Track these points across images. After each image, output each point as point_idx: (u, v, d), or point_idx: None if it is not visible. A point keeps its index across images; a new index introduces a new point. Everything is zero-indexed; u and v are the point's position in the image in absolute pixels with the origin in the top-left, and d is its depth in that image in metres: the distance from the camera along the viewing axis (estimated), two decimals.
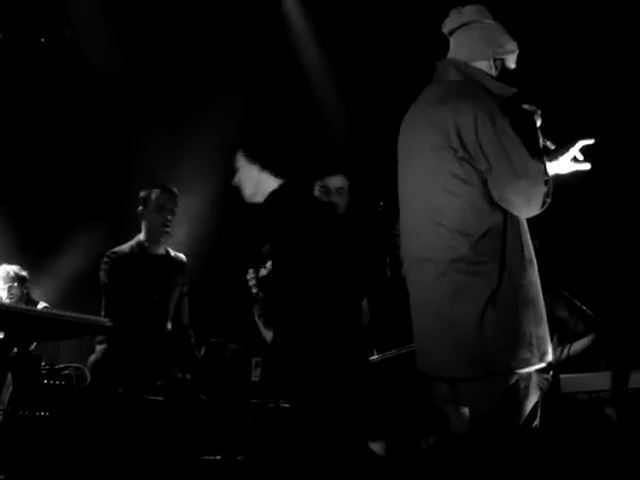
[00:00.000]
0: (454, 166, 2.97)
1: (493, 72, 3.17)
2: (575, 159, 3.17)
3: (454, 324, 2.92)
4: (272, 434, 4.51)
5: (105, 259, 5.04)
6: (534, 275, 3.01)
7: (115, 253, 5.07)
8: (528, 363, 2.91)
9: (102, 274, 5.02)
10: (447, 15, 3.29)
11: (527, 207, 2.97)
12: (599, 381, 4.99)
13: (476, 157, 2.95)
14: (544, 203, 2.97)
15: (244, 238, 7.01)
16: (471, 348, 2.89)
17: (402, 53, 6.89)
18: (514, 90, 3.10)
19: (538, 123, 3.12)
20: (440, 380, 3.03)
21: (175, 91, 7.15)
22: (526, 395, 2.94)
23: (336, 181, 4.23)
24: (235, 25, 7.22)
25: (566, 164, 3.18)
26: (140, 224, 5.19)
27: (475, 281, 2.91)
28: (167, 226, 5.13)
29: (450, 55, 3.24)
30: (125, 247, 5.13)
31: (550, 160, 3.12)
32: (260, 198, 3.61)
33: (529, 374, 2.95)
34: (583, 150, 3.18)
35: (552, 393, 4.92)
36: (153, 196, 5.13)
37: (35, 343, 4.88)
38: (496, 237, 2.95)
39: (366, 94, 7.15)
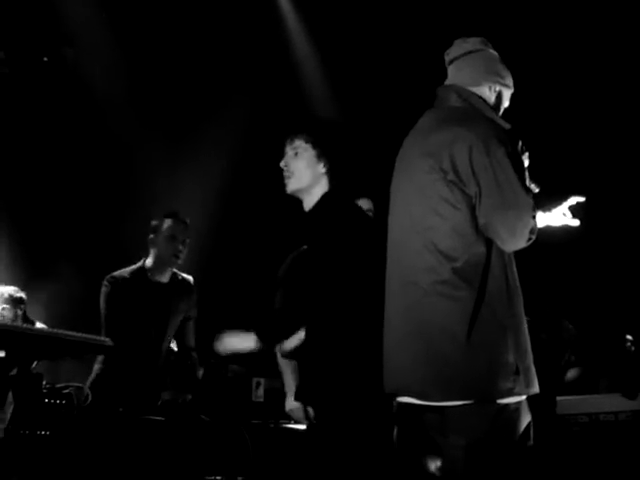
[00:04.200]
0: (444, 189, 2.97)
1: (492, 99, 3.20)
2: (565, 215, 3.22)
3: (433, 348, 2.90)
4: (273, 454, 4.51)
5: (105, 282, 5.01)
6: (518, 308, 2.98)
7: (114, 278, 5.02)
8: (511, 393, 2.88)
9: (101, 298, 5.00)
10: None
11: (511, 239, 2.95)
12: (599, 403, 5.02)
13: (467, 182, 2.95)
14: (529, 239, 2.96)
15: (244, 258, 7.06)
16: (451, 374, 2.87)
17: (405, 70, 6.95)
18: (510, 126, 3.12)
19: (526, 164, 3.13)
20: (424, 407, 2.99)
21: (176, 111, 7.17)
22: (518, 417, 2.92)
23: (364, 204, 4.34)
24: (236, 45, 7.26)
25: (557, 217, 3.22)
26: (149, 251, 5.14)
27: (453, 306, 2.90)
28: (178, 257, 5.09)
29: (450, 81, 3.26)
30: (125, 272, 5.08)
31: (543, 211, 3.15)
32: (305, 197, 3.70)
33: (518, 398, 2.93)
34: (574, 207, 3.22)
35: (548, 416, 4.93)
36: (165, 225, 5.10)
37: (36, 362, 4.86)
38: (479, 265, 2.94)
39: (367, 112, 7.19)
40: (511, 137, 3.06)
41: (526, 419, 2.95)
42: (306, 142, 3.74)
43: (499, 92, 3.21)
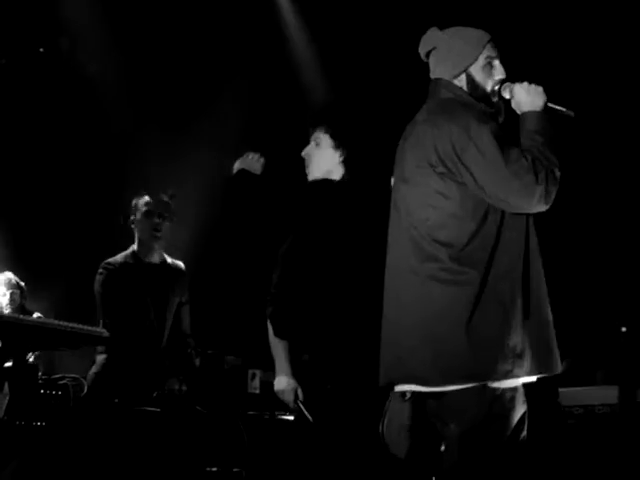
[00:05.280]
0: (435, 181, 2.97)
1: (469, 85, 3.18)
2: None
3: (433, 333, 2.90)
4: (268, 446, 4.52)
5: (100, 270, 5.00)
6: (536, 290, 2.95)
7: (109, 264, 5.01)
8: (509, 375, 2.86)
9: (96, 285, 4.98)
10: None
11: (529, 204, 2.92)
12: (595, 395, 5.02)
13: (455, 171, 2.95)
14: (547, 194, 2.90)
15: (242, 248, 7.05)
16: (450, 358, 2.86)
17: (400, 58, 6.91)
18: (493, 109, 3.13)
19: (544, 99, 3.08)
20: (425, 394, 2.99)
21: (171, 101, 7.16)
22: (513, 406, 2.91)
23: None
24: (232, 35, 7.24)
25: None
26: (133, 233, 5.13)
27: (453, 291, 2.89)
28: (157, 230, 5.05)
29: (435, 75, 3.28)
30: (119, 257, 5.07)
31: None
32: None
33: (515, 385, 2.93)
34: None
35: (551, 406, 4.93)
36: (141, 202, 5.08)
37: (33, 353, 4.86)
38: (480, 247, 2.92)
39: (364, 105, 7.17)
40: (493, 118, 3.07)
41: (522, 408, 2.95)
42: (325, 132, 3.96)
43: (470, 75, 3.19)
